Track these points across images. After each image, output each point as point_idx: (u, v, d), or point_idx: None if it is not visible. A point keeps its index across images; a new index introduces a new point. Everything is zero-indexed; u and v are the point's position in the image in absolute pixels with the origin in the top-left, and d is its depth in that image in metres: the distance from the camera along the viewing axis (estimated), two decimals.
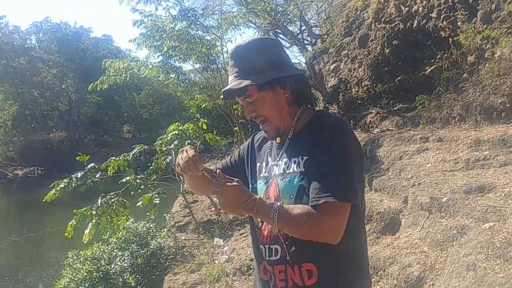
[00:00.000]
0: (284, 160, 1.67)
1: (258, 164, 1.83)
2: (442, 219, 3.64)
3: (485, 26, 6.14)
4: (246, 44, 1.68)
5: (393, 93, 8.74)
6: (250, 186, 1.82)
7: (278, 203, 1.50)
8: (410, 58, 8.44)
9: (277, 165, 1.70)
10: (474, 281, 2.77)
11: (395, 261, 3.47)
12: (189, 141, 7.65)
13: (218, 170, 1.61)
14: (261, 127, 1.74)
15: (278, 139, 1.77)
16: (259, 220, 1.69)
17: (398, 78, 8.69)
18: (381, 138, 6.60)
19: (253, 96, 1.64)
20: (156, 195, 6.88)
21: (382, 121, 8.14)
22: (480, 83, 6.01)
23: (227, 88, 1.65)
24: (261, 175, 1.79)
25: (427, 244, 3.56)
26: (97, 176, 6.73)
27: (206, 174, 1.62)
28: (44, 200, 6.51)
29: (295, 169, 1.59)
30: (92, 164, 6.69)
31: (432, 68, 7.65)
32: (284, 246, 1.59)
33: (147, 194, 6.74)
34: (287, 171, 1.62)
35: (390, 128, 7.49)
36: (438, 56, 7.31)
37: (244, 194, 1.51)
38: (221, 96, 1.76)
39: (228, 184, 1.51)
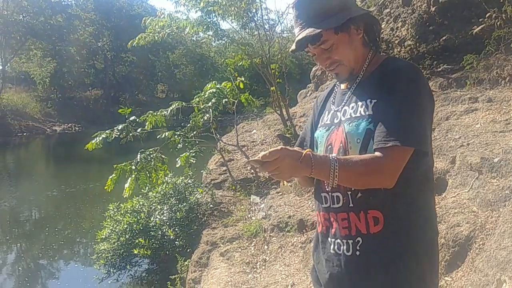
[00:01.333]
0: (352, 104, 1.60)
1: (321, 116, 1.78)
2: (493, 179, 3.53)
3: None
4: None
5: (438, 53, 8.41)
6: (312, 139, 1.79)
7: (333, 155, 1.45)
8: (458, 16, 8.07)
9: (342, 111, 1.64)
10: None
11: (443, 220, 3.40)
12: (226, 100, 7.62)
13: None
14: (331, 71, 1.66)
15: (343, 85, 1.72)
16: None
17: (444, 37, 8.34)
18: None
19: (329, 41, 1.57)
20: (193, 154, 6.89)
21: None
22: None
23: (301, 37, 1.56)
24: (323, 123, 1.73)
25: (476, 204, 3.47)
26: (137, 130, 6.79)
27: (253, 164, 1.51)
28: (85, 148, 6.61)
29: (362, 112, 1.53)
30: (133, 117, 6.75)
31: (481, 27, 7.31)
32: (348, 193, 1.54)
33: (184, 154, 6.78)
34: (354, 115, 1.56)
35: (434, 90, 7.25)
36: (488, 14, 6.97)
37: (295, 151, 1.44)
38: (292, 48, 1.67)
39: (277, 147, 1.43)
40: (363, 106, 1.54)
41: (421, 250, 1.52)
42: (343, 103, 1.65)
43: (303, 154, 1.42)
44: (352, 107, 1.59)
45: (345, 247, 1.56)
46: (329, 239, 1.63)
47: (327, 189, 1.61)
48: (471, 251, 3.07)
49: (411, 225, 1.52)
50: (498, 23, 6.33)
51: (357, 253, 1.53)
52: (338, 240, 1.59)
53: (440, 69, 7.98)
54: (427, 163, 1.56)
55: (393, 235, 1.50)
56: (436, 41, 8.47)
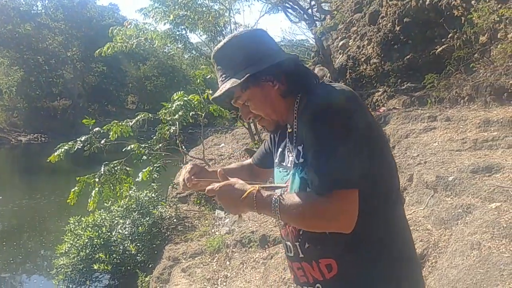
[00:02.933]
0: (291, 152, 1.54)
1: (279, 150, 1.69)
2: (448, 198, 3.60)
3: (499, 6, 6.00)
4: (224, 44, 1.55)
5: (402, 71, 8.62)
6: (269, 160, 1.75)
7: (278, 194, 1.39)
8: (421, 36, 8.30)
9: (286, 157, 1.60)
10: (478, 260, 2.74)
11: None
12: (193, 112, 7.57)
13: (219, 170, 1.51)
14: (259, 123, 1.61)
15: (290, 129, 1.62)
16: None
17: (407, 56, 8.56)
18: (387, 116, 6.53)
19: (241, 97, 1.51)
20: (157, 168, 6.81)
21: (389, 99, 8.05)
22: (491, 64, 5.92)
23: (217, 94, 1.52)
24: (281, 162, 1.65)
25: (431, 222, 3.53)
26: (101, 142, 6.68)
27: (203, 184, 1.56)
28: (48, 160, 6.46)
29: (296, 160, 1.47)
30: (97, 129, 6.64)
31: (442, 47, 7.53)
32: (296, 244, 1.49)
33: (147, 168, 6.68)
34: (290, 165, 1.52)
35: (397, 107, 7.41)
36: (450, 35, 7.19)
37: (240, 188, 1.41)
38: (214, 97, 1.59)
39: (221, 183, 1.42)
40: (296, 154, 1.47)
41: (390, 278, 1.44)
42: (290, 148, 1.58)
43: (245, 193, 1.38)
44: (291, 155, 1.55)
45: None
46: (294, 284, 1.61)
47: (283, 236, 1.58)
48: (424, 269, 3.11)
49: (367, 266, 1.42)
50: (458, 44, 6.52)
51: None
52: (299, 287, 1.56)
53: (404, 87, 8.17)
54: (374, 195, 1.41)
55: (349, 278, 1.44)
56: (400, 60, 8.68)
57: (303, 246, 1.47)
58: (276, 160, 1.68)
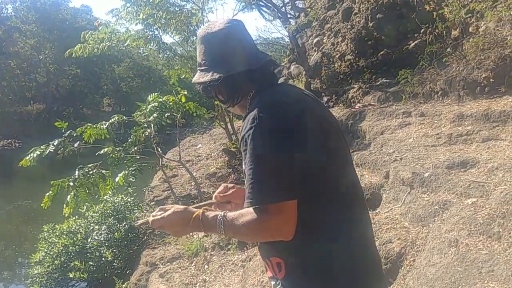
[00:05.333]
0: None
1: None
2: (424, 195, 3.58)
3: (470, 0, 6.05)
4: (216, 31, 1.59)
5: (376, 67, 8.64)
6: None
7: (221, 214, 1.47)
8: (394, 32, 8.34)
9: None
10: (456, 257, 2.72)
11: (376, 237, 3.41)
12: (168, 114, 7.46)
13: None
14: None
15: None
16: None
17: (381, 52, 8.59)
18: (363, 113, 6.52)
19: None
20: (133, 172, 6.68)
21: (364, 96, 8.05)
22: (463, 58, 5.94)
23: (194, 79, 1.64)
24: None
25: (408, 220, 3.51)
26: (75, 145, 6.53)
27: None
28: (20, 165, 6.30)
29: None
30: (70, 131, 6.49)
31: (415, 42, 7.57)
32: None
33: (122, 173, 6.56)
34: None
35: (372, 103, 7.40)
36: (422, 30, 7.21)
37: (185, 214, 1.52)
38: None
39: (164, 214, 1.53)
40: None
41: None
42: None
43: (192, 217, 1.49)
44: None
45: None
46: None
47: None
48: (402, 268, 3.08)
49: (303, 274, 1.46)
50: (430, 39, 6.54)
51: None
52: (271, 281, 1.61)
53: (378, 83, 8.18)
54: (310, 207, 1.41)
55: (295, 277, 1.47)
56: (374, 56, 8.70)
57: (258, 245, 1.61)
58: None
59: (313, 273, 1.43)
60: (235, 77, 1.54)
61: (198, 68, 1.61)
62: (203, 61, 1.58)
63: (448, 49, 6.49)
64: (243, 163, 1.44)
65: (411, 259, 3.09)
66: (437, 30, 6.66)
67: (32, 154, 6.39)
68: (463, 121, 4.62)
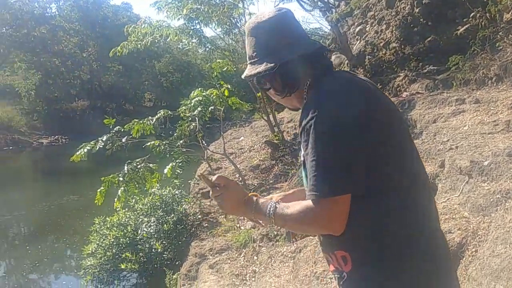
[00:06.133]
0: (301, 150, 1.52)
1: None
2: (484, 183, 3.45)
3: None
4: (266, 20, 1.57)
5: (423, 55, 8.39)
6: None
7: (273, 201, 1.46)
8: (441, 17, 8.07)
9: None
10: None
11: None
12: (212, 107, 7.52)
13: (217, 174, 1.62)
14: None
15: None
16: None
17: (428, 39, 8.33)
18: (412, 101, 6.35)
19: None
20: (180, 164, 6.79)
21: (411, 84, 7.84)
22: None
23: (245, 74, 1.59)
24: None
25: (467, 210, 3.39)
26: (123, 140, 6.69)
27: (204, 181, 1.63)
28: (71, 160, 6.51)
29: (301, 157, 1.47)
30: (118, 127, 6.65)
31: (464, 27, 7.31)
32: (320, 235, 1.55)
33: (170, 165, 6.68)
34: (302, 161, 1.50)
35: (420, 91, 7.20)
36: (472, 14, 6.96)
37: (242, 191, 1.54)
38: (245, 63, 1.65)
39: (228, 180, 1.53)
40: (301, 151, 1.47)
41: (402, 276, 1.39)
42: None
43: (248, 195, 1.50)
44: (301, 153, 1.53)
45: (336, 281, 1.54)
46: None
47: None
48: (464, 258, 2.98)
49: (378, 258, 1.39)
50: (483, 23, 6.31)
51: None
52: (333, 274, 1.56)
53: (426, 70, 7.95)
54: (370, 197, 1.37)
55: (363, 270, 1.41)
56: (421, 43, 8.47)
57: (320, 238, 1.54)
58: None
59: (381, 266, 1.38)
60: (290, 64, 1.49)
61: (248, 62, 1.58)
62: (254, 53, 1.55)
63: (500, 33, 6.23)
64: (302, 154, 1.41)
65: (473, 250, 2.98)
66: (487, 14, 6.42)
67: (82, 149, 6.61)
68: None
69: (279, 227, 1.48)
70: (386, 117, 1.43)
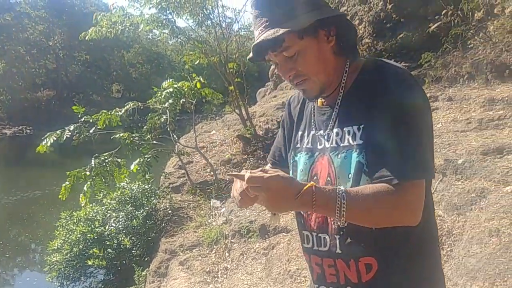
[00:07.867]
0: (336, 130, 1.32)
1: (299, 133, 1.48)
2: (458, 182, 3.46)
3: None
4: None
5: (395, 51, 8.45)
6: (290, 161, 1.49)
7: (341, 188, 1.17)
8: (414, 14, 8.13)
9: (326, 136, 1.35)
10: (499, 248, 2.61)
11: None
12: (183, 100, 7.38)
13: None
14: (297, 86, 1.36)
15: (320, 102, 1.41)
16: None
17: (401, 35, 8.38)
18: None
19: (292, 47, 1.26)
20: (148, 159, 6.62)
21: None
22: (489, 40, 5.76)
23: (258, 40, 1.26)
24: (304, 146, 1.43)
25: (442, 208, 3.39)
26: (90, 131, 6.47)
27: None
28: (36, 151, 6.26)
29: (350, 141, 1.26)
30: (86, 117, 6.42)
31: (436, 24, 7.37)
32: (337, 237, 1.30)
33: (137, 160, 6.50)
34: (341, 144, 1.29)
35: None
36: (444, 12, 7.01)
37: (294, 183, 1.17)
38: (249, 56, 1.36)
39: (268, 175, 1.14)
40: (351, 134, 1.27)
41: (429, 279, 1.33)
42: (326, 126, 1.37)
43: (303, 189, 1.14)
44: (337, 134, 1.31)
45: None
46: (315, 284, 1.42)
47: (312, 227, 1.38)
48: None
49: (407, 266, 1.29)
50: (455, 21, 6.35)
51: None
52: (323, 287, 1.39)
53: None
54: (429, 188, 1.30)
55: (391, 276, 1.28)
56: (393, 39, 8.50)
57: (343, 241, 1.29)
58: (299, 145, 1.46)
59: (417, 277, 1.30)
60: (345, 20, 1.34)
61: (289, 21, 1.24)
62: (301, 6, 1.26)
63: (472, 31, 6.30)
64: (379, 131, 1.20)
65: (448, 249, 2.98)
66: (460, 12, 6.48)
67: (48, 139, 6.34)
68: (494, 106, 4.48)
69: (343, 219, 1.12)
70: None
